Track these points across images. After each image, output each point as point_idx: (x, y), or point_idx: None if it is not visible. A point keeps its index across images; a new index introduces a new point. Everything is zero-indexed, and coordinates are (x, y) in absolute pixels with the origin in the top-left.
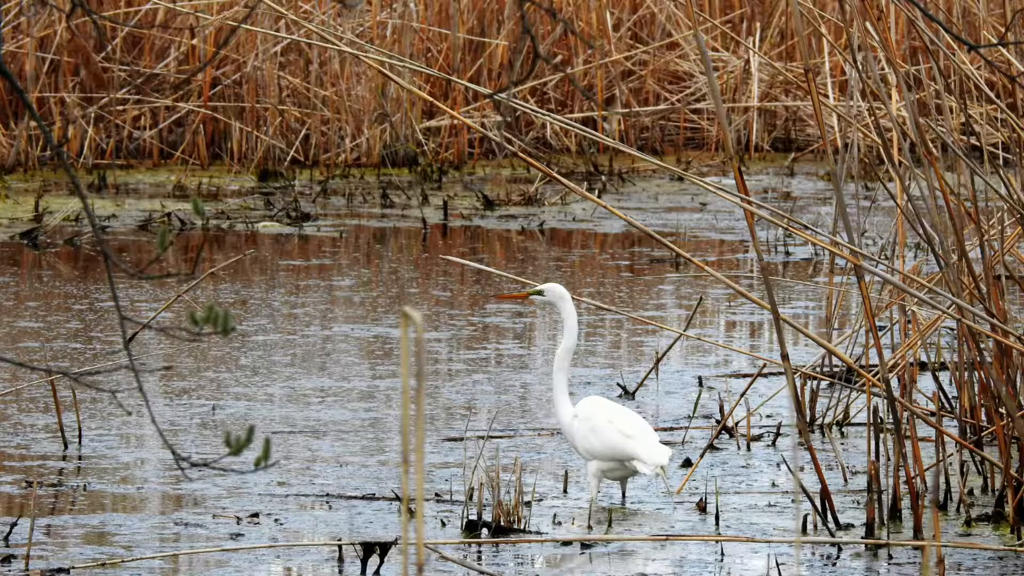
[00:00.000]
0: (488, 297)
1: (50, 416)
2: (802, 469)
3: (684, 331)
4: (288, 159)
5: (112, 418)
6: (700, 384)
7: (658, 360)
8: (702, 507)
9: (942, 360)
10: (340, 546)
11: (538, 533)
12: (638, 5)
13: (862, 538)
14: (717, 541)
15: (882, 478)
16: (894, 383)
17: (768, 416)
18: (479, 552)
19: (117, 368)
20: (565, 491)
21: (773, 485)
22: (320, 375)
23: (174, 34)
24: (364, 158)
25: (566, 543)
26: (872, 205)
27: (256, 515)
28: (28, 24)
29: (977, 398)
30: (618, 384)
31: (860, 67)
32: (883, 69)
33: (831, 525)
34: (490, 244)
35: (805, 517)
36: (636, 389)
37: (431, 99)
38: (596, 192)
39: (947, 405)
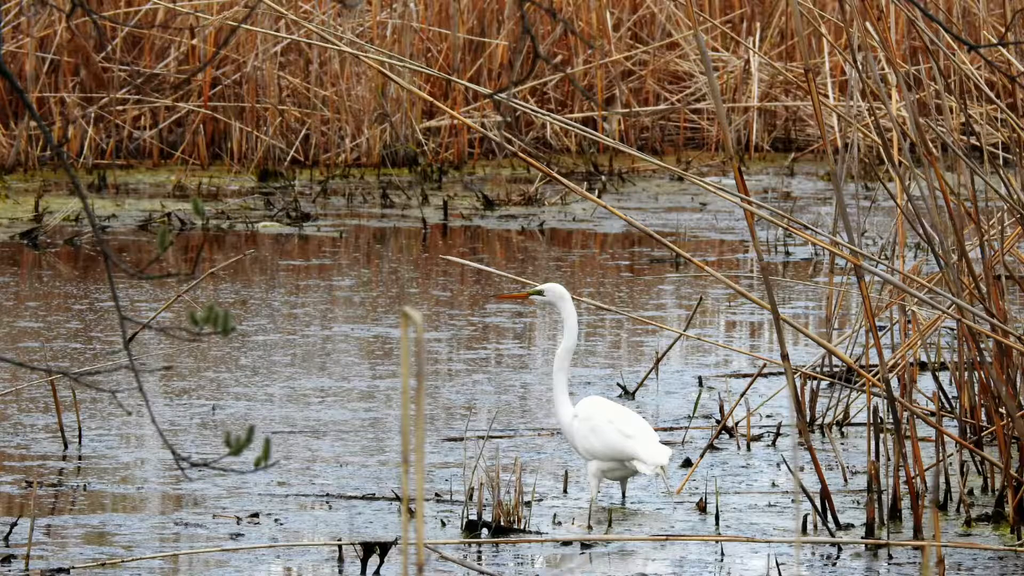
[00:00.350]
0: (488, 297)
1: (50, 416)
2: (802, 469)
3: (684, 331)
4: (288, 159)
5: (112, 418)
6: (700, 384)
7: (658, 360)
8: (702, 507)
9: (942, 360)
10: (340, 546)
11: (538, 533)
12: (638, 5)
13: (862, 538)
14: (717, 541)
15: (882, 478)
16: (894, 383)
17: (768, 416)
18: (479, 552)
19: (117, 368)
20: (565, 491)
21: (773, 485)
22: (320, 375)
23: (174, 34)
24: (364, 158)
25: (566, 543)
26: (872, 205)
27: (256, 515)
28: (28, 24)
29: (977, 398)
30: (618, 384)
31: (860, 67)
32: (883, 69)
33: (831, 525)
34: (490, 244)
35: (805, 517)
36: (636, 389)
37: (431, 99)
38: (596, 192)
39: (947, 405)
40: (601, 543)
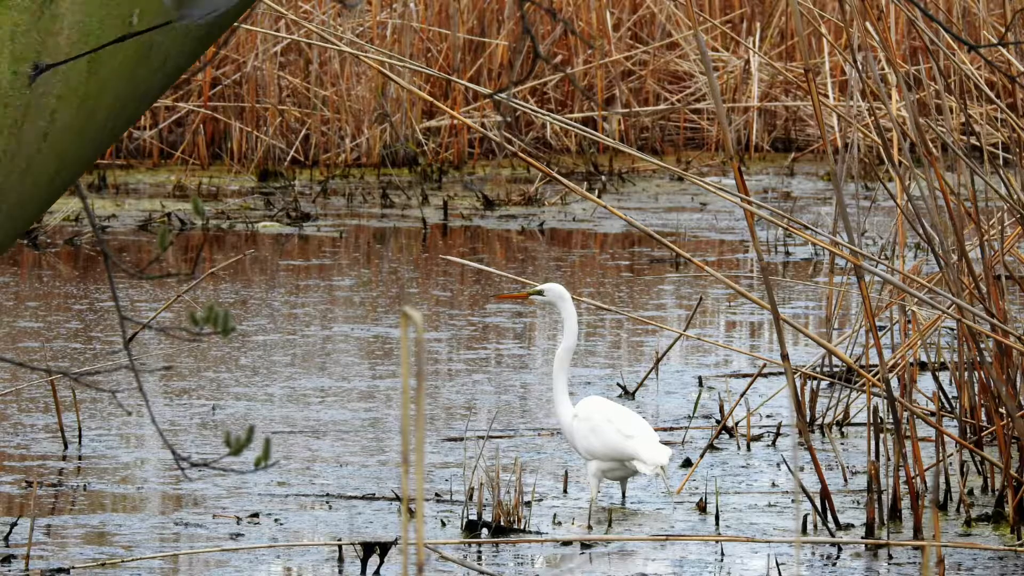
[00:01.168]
0: (488, 297)
1: (50, 416)
2: (802, 469)
3: (684, 331)
4: (288, 159)
5: (112, 418)
6: (700, 384)
7: (658, 360)
8: (702, 507)
9: (942, 360)
10: (340, 546)
11: (538, 533)
12: (638, 5)
13: (862, 538)
14: (717, 541)
15: (882, 478)
16: (894, 383)
17: (768, 416)
18: (479, 552)
19: (117, 368)
20: (565, 491)
21: (773, 485)
22: (320, 375)
23: None
24: (364, 158)
25: (566, 543)
26: (872, 205)
27: (256, 515)
28: None
29: (977, 398)
30: (618, 384)
31: (860, 67)
32: (883, 69)
33: (831, 525)
34: (490, 244)
35: (805, 517)
36: (636, 389)
37: (431, 99)
38: (596, 192)
39: (947, 405)
40: (601, 543)
